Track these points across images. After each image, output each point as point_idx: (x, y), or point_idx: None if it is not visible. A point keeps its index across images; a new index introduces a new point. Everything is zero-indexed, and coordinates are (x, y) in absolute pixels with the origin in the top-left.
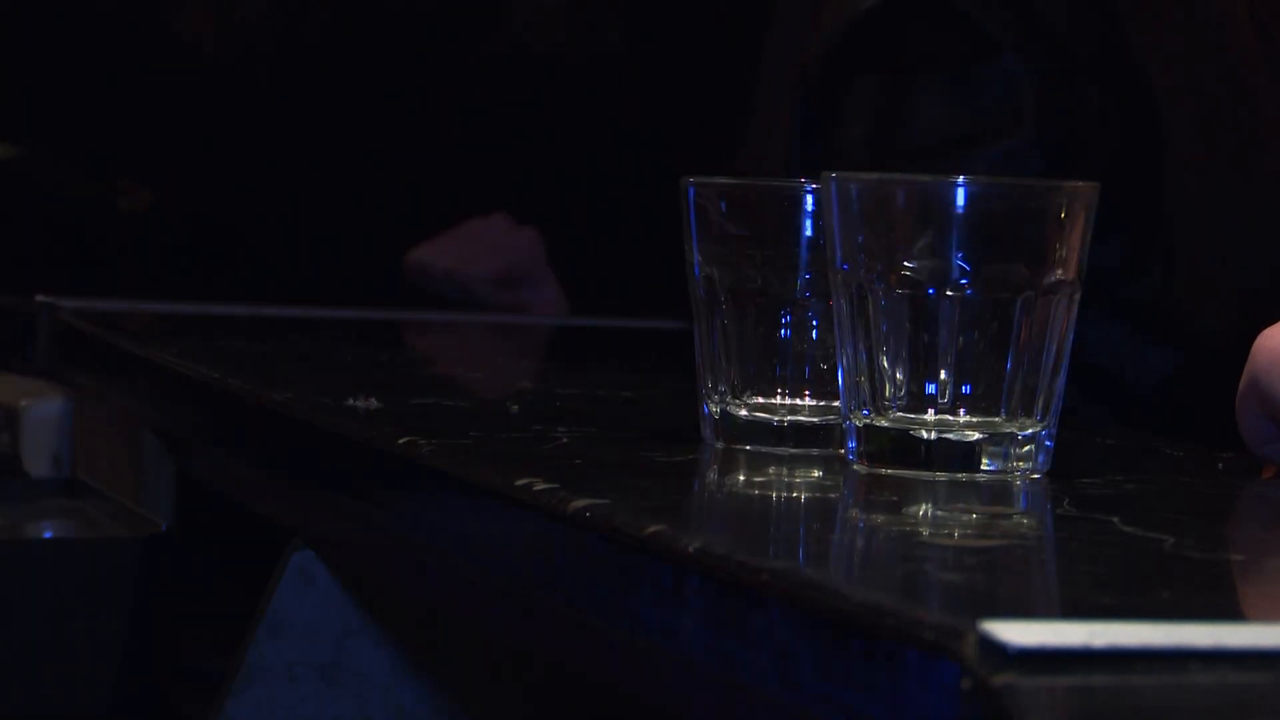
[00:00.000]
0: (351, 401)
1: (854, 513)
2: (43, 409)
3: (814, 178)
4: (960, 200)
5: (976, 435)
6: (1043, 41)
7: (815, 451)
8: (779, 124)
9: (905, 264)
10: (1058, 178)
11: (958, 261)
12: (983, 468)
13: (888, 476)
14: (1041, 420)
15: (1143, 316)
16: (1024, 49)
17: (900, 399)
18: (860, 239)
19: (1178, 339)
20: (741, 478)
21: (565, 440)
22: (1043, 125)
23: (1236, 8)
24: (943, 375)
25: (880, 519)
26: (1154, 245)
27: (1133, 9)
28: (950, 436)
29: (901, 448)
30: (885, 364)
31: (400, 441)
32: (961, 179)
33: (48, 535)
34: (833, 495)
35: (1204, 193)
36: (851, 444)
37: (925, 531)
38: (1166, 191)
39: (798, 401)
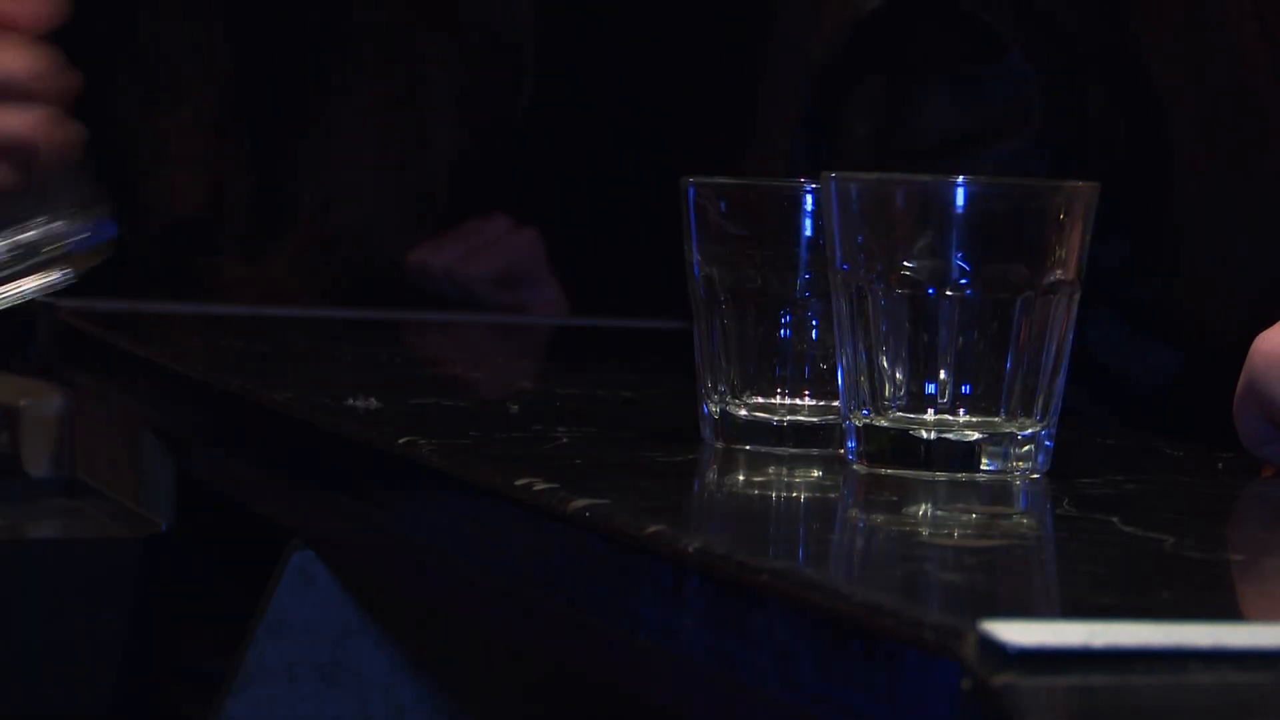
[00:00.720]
0: (351, 401)
1: (854, 513)
2: (43, 409)
3: (815, 178)
4: (960, 200)
5: (976, 435)
6: (1048, 41)
7: (815, 451)
8: (784, 126)
9: (905, 264)
10: (1061, 178)
11: (957, 261)
12: (983, 468)
13: (888, 476)
14: (1041, 420)
15: (1144, 317)
16: (1029, 48)
17: (900, 399)
18: (860, 239)
19: (1179, 339)
20: (741, 478)
21: (565, 440)
22: (1047, 125)
23: (1241, 7)
24: (942, 375)
25: (880, 519)
26: (1156, 245)
27: (1137, 8)
28: (950, 436)
29: (901, 448)
30: (885, 364)
31: (400, 441)
32: (961, 179)
33: (48, 535)
34: (833, 495)
35: (1206, 193)
36: (851, 444)
37: (925, 531)
38: (1170, 191)
39: (798, 401)
